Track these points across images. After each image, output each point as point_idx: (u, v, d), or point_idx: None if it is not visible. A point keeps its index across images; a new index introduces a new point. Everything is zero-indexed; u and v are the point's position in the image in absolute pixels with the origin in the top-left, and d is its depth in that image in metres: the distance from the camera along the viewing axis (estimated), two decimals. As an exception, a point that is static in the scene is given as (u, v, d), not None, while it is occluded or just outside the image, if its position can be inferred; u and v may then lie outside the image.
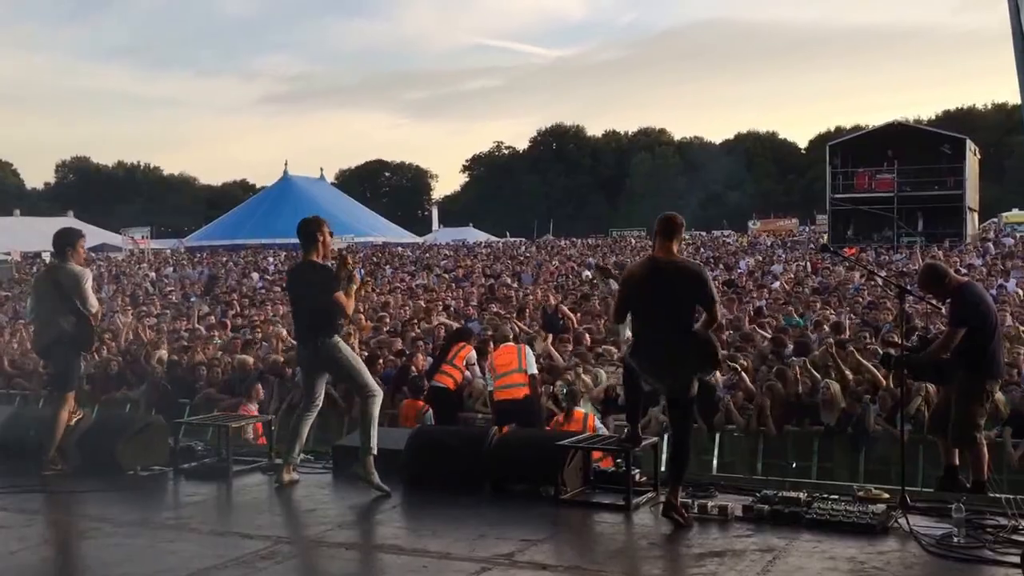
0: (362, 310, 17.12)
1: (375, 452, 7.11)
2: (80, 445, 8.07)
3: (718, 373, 10.84)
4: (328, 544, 5.91)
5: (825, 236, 41.43)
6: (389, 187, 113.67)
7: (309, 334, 7.22)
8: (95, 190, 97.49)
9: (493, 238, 64.91)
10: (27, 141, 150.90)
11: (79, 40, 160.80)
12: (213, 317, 18.73)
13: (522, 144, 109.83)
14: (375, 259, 39.33)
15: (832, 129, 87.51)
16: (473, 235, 67.66)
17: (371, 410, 7.16)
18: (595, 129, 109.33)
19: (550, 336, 13.23)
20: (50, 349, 8.01)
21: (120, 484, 7.57)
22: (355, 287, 7.35)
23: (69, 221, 67.07)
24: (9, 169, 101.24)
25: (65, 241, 7.99)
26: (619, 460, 6.95)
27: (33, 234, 56.64)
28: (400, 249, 49.22)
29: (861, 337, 12.17)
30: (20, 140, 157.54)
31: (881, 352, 9.24)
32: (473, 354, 11.42)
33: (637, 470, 6.86)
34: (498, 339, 11.27)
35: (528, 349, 10.76)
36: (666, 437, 6.64)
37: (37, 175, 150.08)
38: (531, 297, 19.13)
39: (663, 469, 6.87)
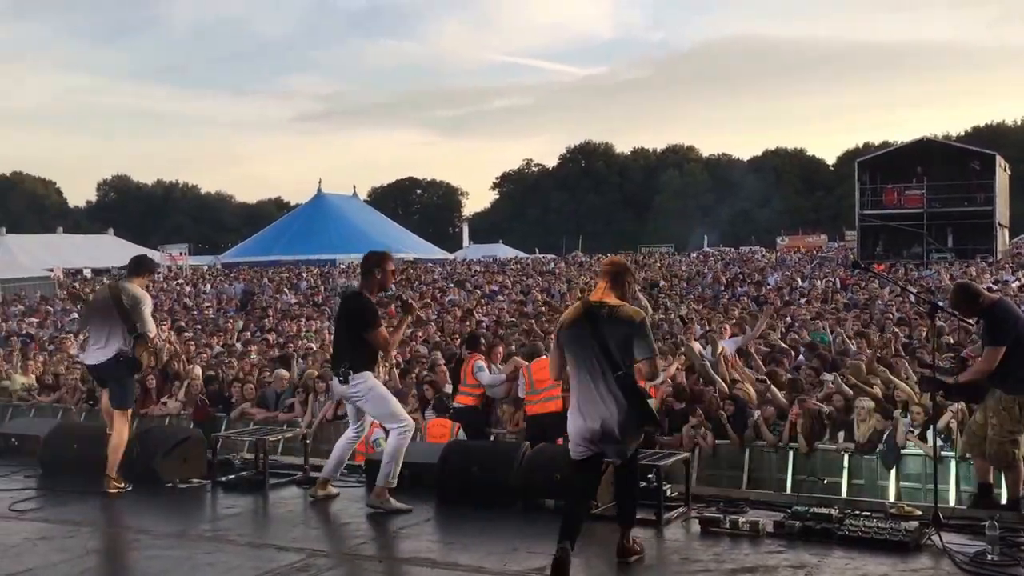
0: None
1: (393, 485, 7.09)
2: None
3: (750, 388, 10.88)
4: (362, 557, 6.00)
5: (854, 252, 41.21)
6: (420, 204, 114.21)
7: (339, 364, 7.21)
8: (135, 208, 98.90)
9: (522, 254, 65.00)
10: (70, 160, 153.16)
11: (119, 61, 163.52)
12: (248, 333, 18.93)
13: (551, 161, 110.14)
14: (406, 275, 39.53)
15: (860, 145, 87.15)
16: (503, 251, 67.76)
17: (399, 443, 7.11)
18: (624, 146, 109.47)
19: None
20: (103, 368, 8.01)
21: (159, 496, 7.74)
22: (404, 329, 7.50)
23: (110, 239, 68.20)
24: (52, 187, 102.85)
25: (141, 266, 8.28)
26: (650, 475, 6.98)
27: (75, 251, 57.60)
28: (431, 265, 49.41)
29: (891, 353, 12.12)
30: (63, 159, 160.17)
31: (917, 373, 9.23)
32: (480, 361, 11.37)
33: (668, 485, 6.89)
34: (528, 355, 11.30)
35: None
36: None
37: (79, 193, 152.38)
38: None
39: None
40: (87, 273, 48.82)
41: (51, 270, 43.75)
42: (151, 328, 7.98)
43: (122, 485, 7.87)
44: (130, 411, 8.11)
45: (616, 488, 5.93)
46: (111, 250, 62.18)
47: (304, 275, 41.03)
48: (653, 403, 5.82)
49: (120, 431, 7.90)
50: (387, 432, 7.47)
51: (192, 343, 16.58)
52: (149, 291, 8.43)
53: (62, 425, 9.99)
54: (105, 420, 8.29)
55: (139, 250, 62.79)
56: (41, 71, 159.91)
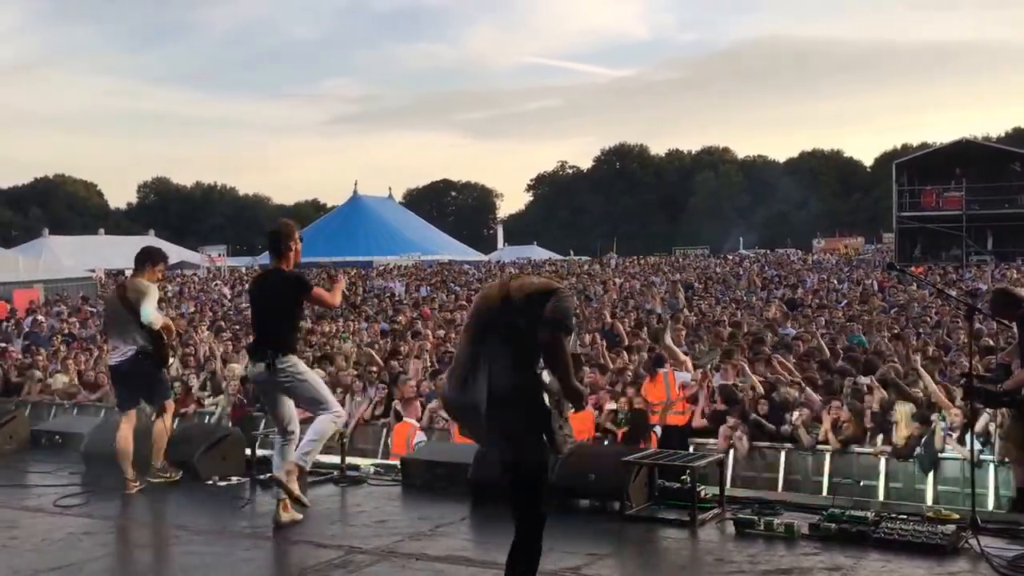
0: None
1: (308, 468, 6.91)
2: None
3: (790, 390, 10.81)
4: (399, 555, 6.05)
5: (891, 255, 40.82)
6: (455, 206, 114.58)
7: (261, 349, 6.72)
8: (174, 209, 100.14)
9: (557, 256, 65.03)
10: (111, 162, 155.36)
11: (158, 65, 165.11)
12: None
13: (586, 163, 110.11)
14: (441, 276, 39.69)
15: (898, 147, 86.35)
16: (537, 253, 67.86)
17: (327, 427, 6.81)
18: (658, 148, 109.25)
19: None
20: (127, 366, 7.91)
21: (199, 493, 7.85)
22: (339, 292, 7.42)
23: (150, 240, 68.90)
24: (94, 190, 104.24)
25: (145, 257, 8.08)
26: (684, 476, 7.00)
27: (116, 252, 58.39)
28: (466, 267, 49.56)
29: (930, 356, 12.03)
30: (104, 161, 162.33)
31: (960, 379, 9.15)
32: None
33: (702, 487, 6.90)
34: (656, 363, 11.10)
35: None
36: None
37: (120, 195, 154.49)
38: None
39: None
40: (128, 273, 49.48)
41: (93, 271, 44.38)
42: (153, 319, 7.68)
43: (167, 475, 7.97)
44: (169, 401, 8.10)
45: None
46: (151, 251, 62.92)
47: (342, 276, 41.23)
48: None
49: (158, 423, 7.95)
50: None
51: (231, 343, 16.77)
52: (163, 279, 8.44)
53: (104, 423, 10.15)
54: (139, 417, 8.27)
55: (180, 252, 63.79)
56: (83, 75, 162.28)
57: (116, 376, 8.19)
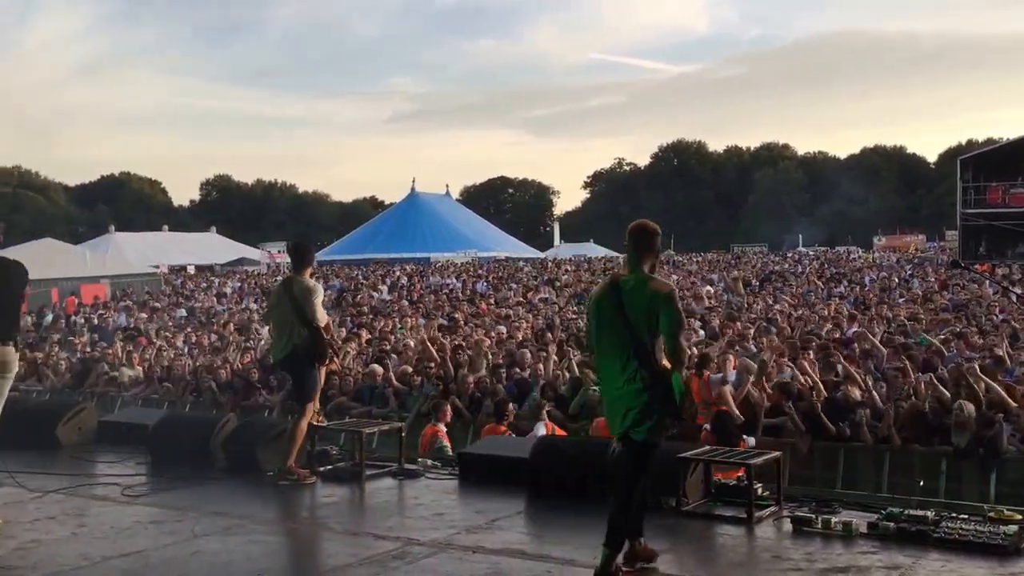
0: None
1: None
2: (225, 447, 8.56)
3: (851, 388, 10.69)
4: (456, 547, 6.12)
5: (955, 252, 40.04)
6: (512, 203, 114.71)
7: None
8: (236, 206, 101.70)
9: (614, 253, 64.80)
10: (174, 160, 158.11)
11: (220, 64, 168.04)
12: (344, 329, 19.35)
13: (643, 160, 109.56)
14: (498, 273, 39.80)
15: (963, 142, 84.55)
16: (594, 250, 67.71)
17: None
18: (717, 144, 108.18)
19: None
20: (285, 362, 8.20)
21: (261, 485, 8.01)
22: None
23: (212, 236, 70.30)
24: (158, 187, 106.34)
25: (304, 257, 8.35)
26: (741, 474, 6.99)
27: (179, 248, 59.64)
28: (521, 264, 49.63)
29: (994, 355, 11.82)
30: (169, 159, 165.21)
31: None
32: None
33: (759, 484, 6.88)
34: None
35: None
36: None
37: (183, 193, 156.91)
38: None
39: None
40: (191, 270, 50.40)
41: (157, 267, 45.30)
42: (321, 318, 7.99)
43: (295, 476, 7.94)
44: (311, 404, 8.10)
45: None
46: (214, 248, 64.23)
47: (398, 272, 41.63)
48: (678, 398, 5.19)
49: (299, 423, 8.00)
50: None
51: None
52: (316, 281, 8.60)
53: (169, 415, 10.41)
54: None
55: (241, 248, 64.65)
56: (149, 74, 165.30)
57: (280, 369, 8.82)
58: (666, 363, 5.19)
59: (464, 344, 14.84)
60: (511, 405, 10.80)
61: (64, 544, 6.37)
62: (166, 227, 75.61)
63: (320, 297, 8.07)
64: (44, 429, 9.63)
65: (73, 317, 25.80)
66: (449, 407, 10.57)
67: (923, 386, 10.27)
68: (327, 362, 8.34)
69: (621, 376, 5.22)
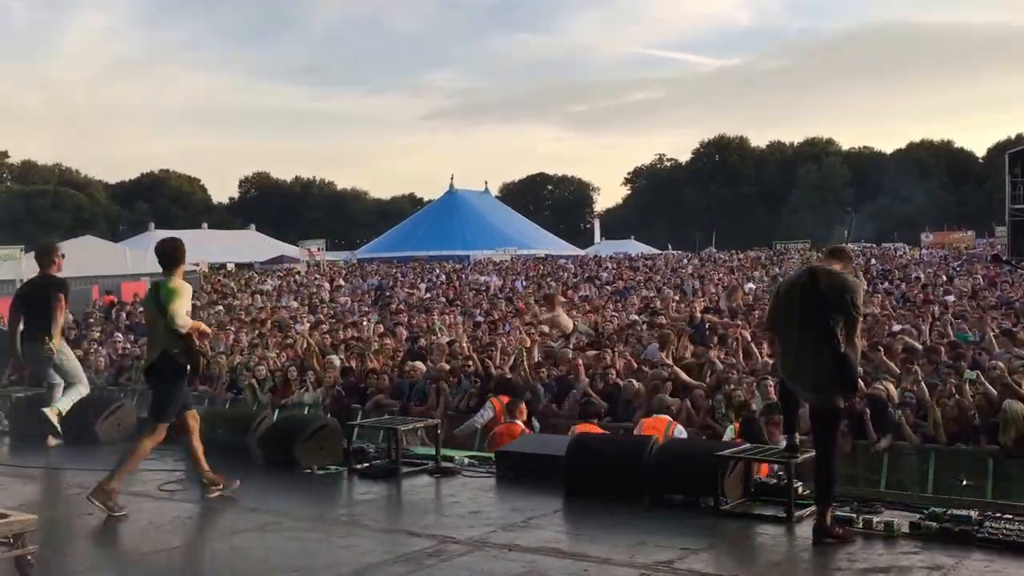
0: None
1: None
2: (261, 445, 8.60)
3: (892, 387, 10.53)
4: (491, 545, 6.09)
5: (1003, 248, 39.36)
6: (552, 200, 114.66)
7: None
8: (274, 204, 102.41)
9: (655, 251, 64.52)
10: (214, 157, 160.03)
11: (259, 60, 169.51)
12: (383, 326, 19.41)
13: (684, 156, 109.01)
14: (538, 271, 39.77)
15: (1012, 137, 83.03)
16: (635, 248, 67.44)
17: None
18: (759, 140, 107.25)
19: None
20: (149, 373, 7.47)
21: (297, 482, 8.05)
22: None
23: (251, 234, 70.99)
24: (198, 184, 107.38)
25: (169, 255, 7.38)
26: (780, 472, 6.89)
27: (219, 246, 60.23)
28: (562, 261, 49.53)
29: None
30: (208, 157, 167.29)
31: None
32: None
33: (800, 483, 6.77)
34: (655, 408, 10.41)
35: (678, 427, 9.98)
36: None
37: (222, 190, 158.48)
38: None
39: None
40: (230, 267, 50.89)
41: (196, 264, 45.71)
42: (183, 324, 7.09)
43: (111, 503, 6.88)
44: (163, 426, 7.29)
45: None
46: (253, 245, 64.85)
47: (437, 270, 41.73)
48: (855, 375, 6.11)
49: (142, 442, 7.28)
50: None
51: (329, 336, 17.10)
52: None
53: (207, 412, 10.46)
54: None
55: (280, 246, 64.96)
56: (188, 71, 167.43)
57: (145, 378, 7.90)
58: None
59: (498, 342, 14.79)
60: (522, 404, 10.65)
61: (102, 540, 6.43)
62: (205, 224, 76.40)
63: (185, 300, 7.16)
64: (84, 425, 9.74)
65: (112, 312, 26.05)
66: (524, 405, 10.52)
67: (969, 385, 10.06)
68: (199, 371, 7.72)
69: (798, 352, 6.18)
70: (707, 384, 11.44)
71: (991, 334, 13.43)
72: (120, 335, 20.29)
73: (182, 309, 7.10)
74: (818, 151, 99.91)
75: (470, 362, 13.14)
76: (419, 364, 13.30)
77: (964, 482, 9.11)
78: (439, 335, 16.38)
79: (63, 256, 9.19)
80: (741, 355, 12.83)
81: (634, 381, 11.43)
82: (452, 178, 69.87)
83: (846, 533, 5.93)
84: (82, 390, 9.81)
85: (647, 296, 24.39)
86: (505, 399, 10.68)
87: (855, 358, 5.98)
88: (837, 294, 5.91)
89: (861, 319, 6.09)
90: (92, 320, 23.68)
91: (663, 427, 9.43)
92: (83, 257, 26.87)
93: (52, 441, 9.65)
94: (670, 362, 12.33)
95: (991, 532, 5.71)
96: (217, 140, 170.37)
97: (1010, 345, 12.50)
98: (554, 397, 11.89)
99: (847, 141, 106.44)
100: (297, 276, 41.26)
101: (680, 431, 9.63)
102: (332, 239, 75.06)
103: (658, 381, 11.06)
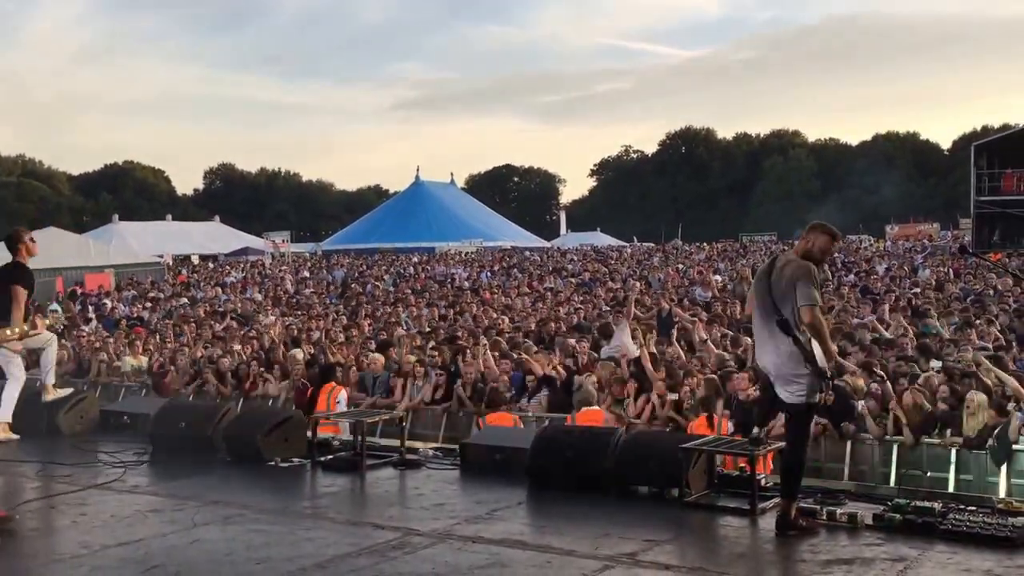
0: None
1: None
2: (225, 437, 8.51)
3: (856, 379, 10.59)
4: (455, 537, 6.06)
5: (968, 240, 39.77)
6: (518, 191, 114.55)
7: None
8: (239, 195, 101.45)
9: (621, 243, 64.66)
10: (179, 149, 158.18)
11: (224, 51, 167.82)
12: (346, 318, 19.30)
13: (650, 148, 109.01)
14: (505, 263, 39.72)
15: (978, 129, 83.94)
16: (601, 240, 67.57)
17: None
18: (726, 131, 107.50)
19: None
20: None
21: (261, 474, 7.97)
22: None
23: (216, 226, 70.27)
24: (162, 176, 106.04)
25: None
26: (743, 465, 6.91)
27: (184, 238, 59.60)
28: (528, 253, 49.53)
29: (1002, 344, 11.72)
30: (173, 148, 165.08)
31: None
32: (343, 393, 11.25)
33: (763, 475, 6.80)
34: (582, 401, 10.49)
35: (607, 417, 10.29)
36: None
37: (187, 181, 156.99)
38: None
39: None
40: (195, 259, 50.41)
41: (161, 256, 45.30)
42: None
43: None
44: None
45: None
46: (217, 237, 64.22)
47: (402, 262, 41.56)
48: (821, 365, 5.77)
49: None
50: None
51: (294, 328, 16.97)
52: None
53: (171, 404, 10.34)
54: None
55: (245, 238, 64.37)
56: (151, 62, 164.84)
57: None
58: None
59: (464, 333, 14.77)
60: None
61: (64, 532, 6.34)
62: (170, 216, 75.55)
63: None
64: (46, 417, 9.58)
65: (76, 306, 25.74)
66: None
67: (932, 376, 10.16)
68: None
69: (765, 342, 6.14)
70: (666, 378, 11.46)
71: (953, 326, 13.60)
72: (86, 327, 20.05)
73: None
74: (784, 143, 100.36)
75: (435, 353, 13.10)
76: (379, 356, 13.22)
77: (928, 474, 9.20)
78: (404, 327, 16.31)
79: (33, 240, 8.96)
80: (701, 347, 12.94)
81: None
82: (418, 170, 69.52)
83: (811, 525, 5.95)
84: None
85: (613, 287, 24.44)
86: None
87: (818, 349, 5.77)
88: (790, 281, 5.83)
89: (816, 305, 5.77)
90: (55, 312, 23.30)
91: (600, 419, 9.54)
92: (47, 249, 26.43)
93: (61, 392, 9.58)
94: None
95: (954, 524, 5.74)
96: (182, 131, 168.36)
97: (974, 337, 12.64)
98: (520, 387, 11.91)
99: (813, 133, 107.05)
100: (262, 268, 40.94)
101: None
102: (298, 231, 74.58)
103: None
